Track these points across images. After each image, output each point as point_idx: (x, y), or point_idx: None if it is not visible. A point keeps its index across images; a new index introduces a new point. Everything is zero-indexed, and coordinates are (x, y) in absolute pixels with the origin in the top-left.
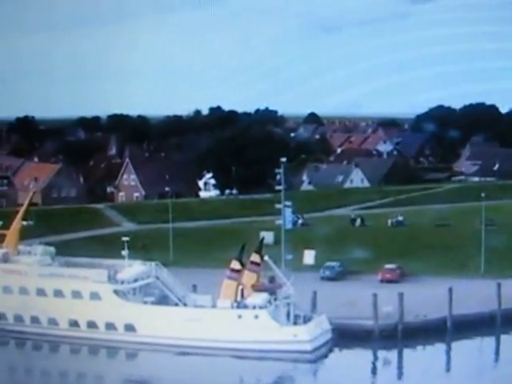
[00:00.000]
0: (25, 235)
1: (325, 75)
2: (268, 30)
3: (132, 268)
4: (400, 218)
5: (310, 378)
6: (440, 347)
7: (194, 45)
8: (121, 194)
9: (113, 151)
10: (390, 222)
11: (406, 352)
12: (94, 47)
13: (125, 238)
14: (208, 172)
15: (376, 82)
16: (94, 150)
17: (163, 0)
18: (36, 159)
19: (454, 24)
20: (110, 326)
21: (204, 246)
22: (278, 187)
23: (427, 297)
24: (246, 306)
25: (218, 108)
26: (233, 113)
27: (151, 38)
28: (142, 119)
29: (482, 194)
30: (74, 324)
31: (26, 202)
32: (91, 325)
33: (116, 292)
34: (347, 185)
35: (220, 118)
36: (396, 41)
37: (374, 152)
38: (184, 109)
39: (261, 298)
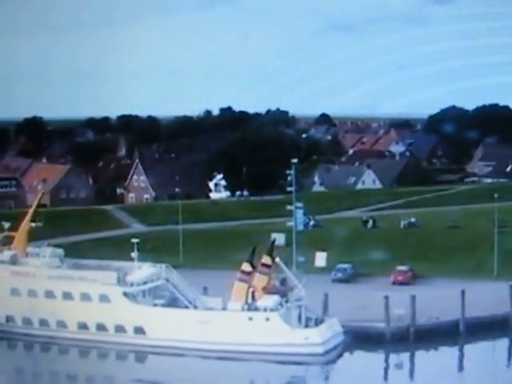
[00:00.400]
0: (33, 237)
1: (337, 75)
2: (279, 30)
3: (142, 270)
4: (412, 220)
5: (321, 380)
6: (452, 350)
7: (205, 45)
8: (130, 195)
9: (122, 152)
10: (402, 223)
11: (418, 355)
12: (103, 47)
13: (134, 240)
14: (219, 173)
15: (388, 83)
16: (103, 150)
17: (173, 0)
18: (44, 160)
19: (468, 23)
20: (119, 329)
21: (214, 247)
22: (289, 188)
23: (439, 299)
24: (256, 309)
25: (229, 108)
26: (243, 113)
27: (161, 39)
28: (151, 120)
29: (495, 196)
30: (83, 327)
31: (35, 204)
32: (100, 327)
33: (125, 294)
34: (359, 186)
35: (231, 119)
36: (410, 41)
37: (387, 153)
38: (194, 109)
39: (272, 300)
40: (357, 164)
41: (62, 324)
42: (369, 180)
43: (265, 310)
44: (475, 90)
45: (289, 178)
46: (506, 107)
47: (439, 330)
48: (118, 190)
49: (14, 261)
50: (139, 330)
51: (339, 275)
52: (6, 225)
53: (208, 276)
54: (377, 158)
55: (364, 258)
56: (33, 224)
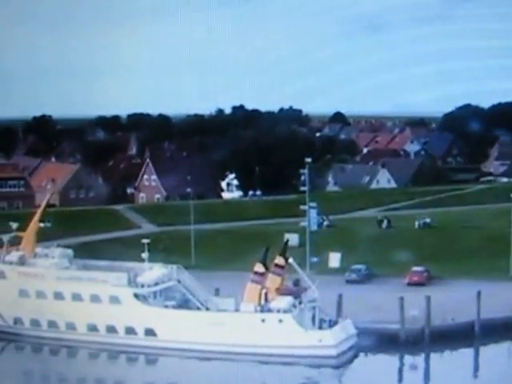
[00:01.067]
0: (42, 237)
1: (349, 75)
2: (295, 28)
3: (152, 271)
4: (427, 220)
5: (334, 383)
6: (468, 352)
7: (217, 42)
8: (141, 194)
9: (133, 151)
10: (417, 223)
11: (433, 356)
12: (112, 44)
13: (145, 240)
14: (231, 172)
15: (402, 82)
16: (113, 150)
17: None
18: (53, 159)
19: (490, 22)
20: (129, 331)
21: (227, 248)
22: (302, 188)
23: (455, 300)
24: (269, 310)
25: (241, 107)
26: (256, 112)
27: (173, 36)
28: (162, 118)
29: (511, 195)
30: (93, 328)
31: (44, 204)
32: (110, 329)
33: (136, 296)
34: (373, 185)
35: (243, 117)
36: (424, 41)
37: (401, 152)
38: (206, 108)
39: (285, 301)
40: (371, 163)
41: (71, 326)
42: (383, 179)
43: (278, 311)
44: (491, 88)
45: (302, 178)
46: None
47: (454, 331)
48: (129, 190)
49: (22, 261)
50: (150, 332)
51: (353, 276)
52: (14, 225)
53: (220, 277)
54: (391, 157)
55: (378, 258)
56: (41, 224)
